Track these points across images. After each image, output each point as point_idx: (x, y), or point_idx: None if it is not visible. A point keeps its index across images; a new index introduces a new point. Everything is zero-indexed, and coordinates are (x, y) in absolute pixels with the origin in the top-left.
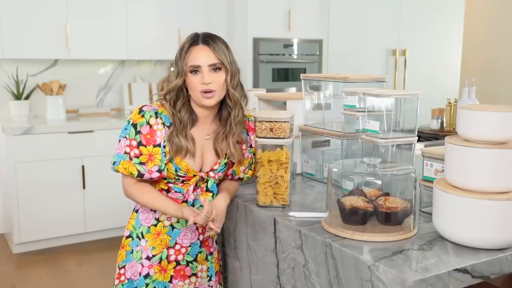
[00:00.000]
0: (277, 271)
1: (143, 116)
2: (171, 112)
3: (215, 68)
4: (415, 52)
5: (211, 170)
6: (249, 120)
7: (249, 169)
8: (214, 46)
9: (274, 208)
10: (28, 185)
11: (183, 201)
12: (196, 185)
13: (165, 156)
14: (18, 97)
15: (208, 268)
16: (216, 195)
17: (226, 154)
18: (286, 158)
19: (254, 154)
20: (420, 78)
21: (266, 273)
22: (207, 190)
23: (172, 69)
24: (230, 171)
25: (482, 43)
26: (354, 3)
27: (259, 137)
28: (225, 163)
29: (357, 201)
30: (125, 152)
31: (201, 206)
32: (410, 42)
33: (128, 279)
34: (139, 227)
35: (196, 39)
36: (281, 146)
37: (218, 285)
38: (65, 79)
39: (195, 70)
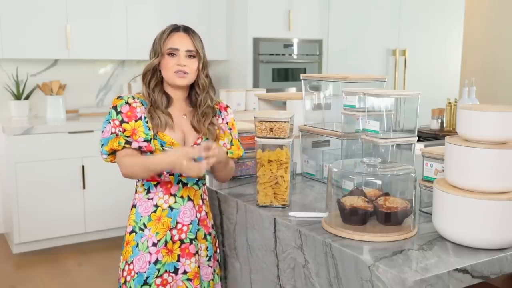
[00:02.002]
0: (277, 271)
1: (121, 99)
2: (147, 93)
3: (191, 55)
4: (415, 52)
5: (195, 144)
6: (219, 103)
7: (231, 145)
8: (192, 36)
9: (274, 208)
10: (28, 185)
11: (170, 174)
12: None
13: (149, 130)
14: (18, 97)
15: (207, 247)
16: None
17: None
18: (286, 158)
19: (231, 130)
20: (420, 78)
21: (266, 273)
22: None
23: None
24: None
25: (482, 43)
26: (354, 3)
27: (259, 137)
28: (206, 138)
29: (357, 201)
30: (111, 133)
31: (194, 184)
32: (410, 42)
33: (137, 273)
34: (140, 219)
35: (177, 27)
36: (281, 146)
37: (216, 267)
38: (65, 79)
39: (172, 52)
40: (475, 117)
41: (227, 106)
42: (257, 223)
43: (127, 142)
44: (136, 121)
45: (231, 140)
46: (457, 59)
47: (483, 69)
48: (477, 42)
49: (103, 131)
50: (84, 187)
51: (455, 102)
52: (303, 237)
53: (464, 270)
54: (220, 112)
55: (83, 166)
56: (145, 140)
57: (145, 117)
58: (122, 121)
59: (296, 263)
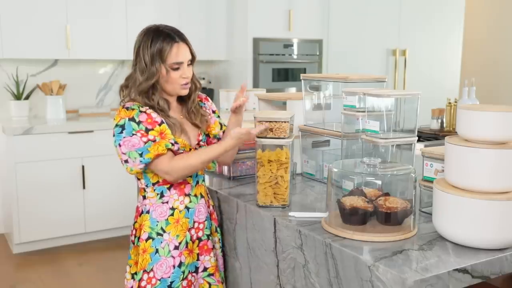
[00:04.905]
0: (277, 271)
1: (133, 109)
2: (150, 105)
3: (190, 63)
4: (415, 52)
5: (199, 141)
6: (199, 94)
7: (223, 132)
8: (188, 42)
9: (274, 208)
10: (28, 185)
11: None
12: None
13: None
14: (18, 97)
15: (220, 239)
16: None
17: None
18: (286, 158)
19: (218, 117)
20: (420, 78)
21: (266, 273)
22: None
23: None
24: (214, 140)
25: (482, 43)
26: (354, 3)
27: (259, 137)
28: (205, 134)
29: (357, 201)
30: (145, 142)
31: (203, 181)
32: (410, 42)
33: (159, 280)
34: (157, 225)
35: (173, 37)
36: (281, 146)
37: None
38: (65, 79)
39: (177, 67)
40: (475, 117)
41: (206, 96)
42: (257, 223)
43: (172, 143)
44: (159, 125)
45: (221, 125)
46: (457, 59)
47: (483, 69)
48: (477, 42)
49: (120, 145)
50: (84, 187)
51: (455, 102)
52: (303, 237)
53: (464, 270)
54: (204, 103)
55: (83, 166)
56: (175, 142)
57: (162, 120)
58: (147, 130)
59: (296, 263)
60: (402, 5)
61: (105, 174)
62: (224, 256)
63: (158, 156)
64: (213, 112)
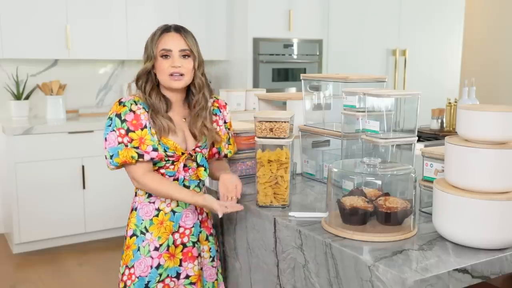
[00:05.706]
0: (277, 271)
1: (124, 105)
2: (144, 98)
3: (185, 54)
4: (415, 52)
5: (196, 147)
6: (218, 99)
7: (229, 144)
8: (185, 34)
9: (274, 208)
10: (28, 185)
11: (174, 179)
12: (185, 166)
13: (153, 136)
14: (18, 97)
15: (210, 248)
16: (207, 169)
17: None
18: (286, 158)
19: (229, 129)
20: (420, 78)
21: (266, 273)
22: (198, 166)
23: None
24: (215, 150)
25: (482, 43)
26: (354, 3)
27: (259, 137)
28: (206, 140)
29: (357, 201)
30: (119, 143)
31: (196, 187)
32: (410, 42)
33: (138, 277)
34: (141, 223)
35: (168, 27)
36: (281, 146)
37: (219, 266)
38: (65, 79)
39: (165, 54)
40: (475, 117)
41: (226, 104)
42: (257, 223)
43: (139, 156)
44: (142, 129)
45: (229, 139)
46: (457, 59)
47: (483, 69)
48: (477, 42)
49: (106, 139)
50: (84, 187)
51: (455, 102)
52: (303, 237)
53: (464, 270)
54: (220, 111)
55: (83, 166)
56: (154, 149)
57: (149, 123)
58: (128, 130)
59: (296, 263)
60: (402, 5)
61: (105, 174)
62: (224, 256)
63: (125, 162)
64: (224, 122)
